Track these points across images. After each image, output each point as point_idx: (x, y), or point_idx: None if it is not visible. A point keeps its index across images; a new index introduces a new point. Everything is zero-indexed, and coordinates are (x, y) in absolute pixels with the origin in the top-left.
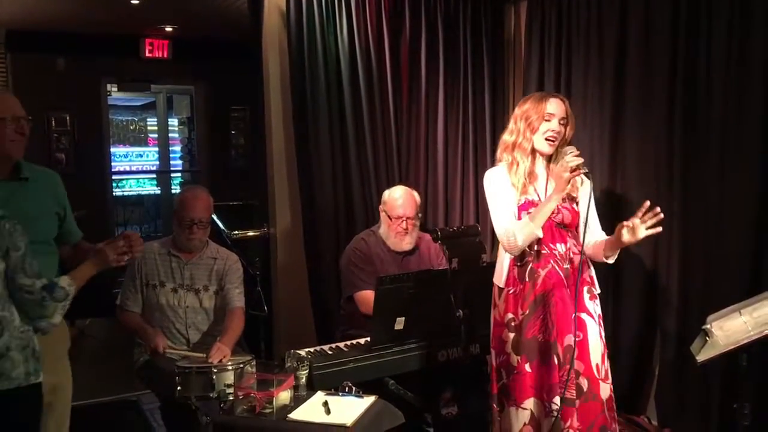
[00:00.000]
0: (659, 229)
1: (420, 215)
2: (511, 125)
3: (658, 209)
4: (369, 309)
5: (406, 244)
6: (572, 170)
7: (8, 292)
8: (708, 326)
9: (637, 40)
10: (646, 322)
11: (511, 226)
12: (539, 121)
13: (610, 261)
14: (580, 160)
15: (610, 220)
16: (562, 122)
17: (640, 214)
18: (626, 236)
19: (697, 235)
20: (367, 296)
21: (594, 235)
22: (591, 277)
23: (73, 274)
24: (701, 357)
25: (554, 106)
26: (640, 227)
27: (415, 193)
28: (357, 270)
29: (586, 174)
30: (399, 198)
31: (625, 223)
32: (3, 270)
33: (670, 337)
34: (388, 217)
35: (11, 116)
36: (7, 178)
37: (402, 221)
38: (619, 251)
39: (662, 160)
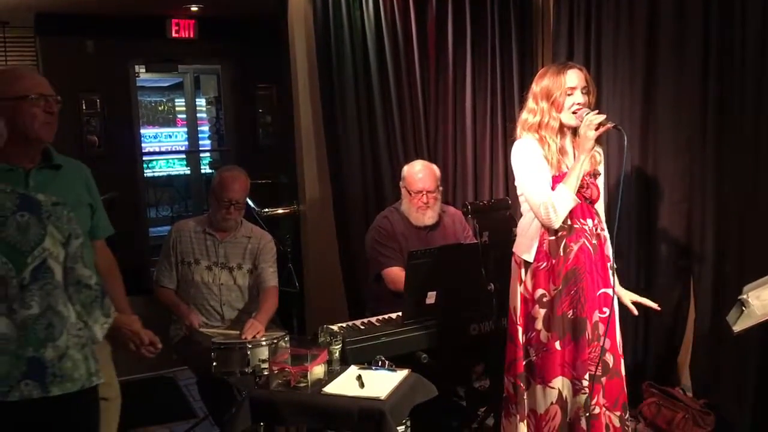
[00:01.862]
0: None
1: (440, 188)
2: (531, 104)
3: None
4: (397, 286)
5: (428, 218)
6: (597, 127)
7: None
8: (744, 296)
9: (669, 6)
10: (680, 292)
11: (549, 198)
12: (563, 97)
13: None
14: (603, 116)
15: (643, 192)
16: (584, 91)
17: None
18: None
19: (732, 204)
20: (394, 273)
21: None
22: (610, 252)
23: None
24: (738, 327)
25: (574, 78)
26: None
27: (435, 167)
28: (382, 248)
29: (615, 127)
30: (418, 172)
31: (630, 305)
32: (63, 259)
33: (705, 308)
34: (408, 192)
35: (37, 94)
36: (40, 166)
37: (422, 195)
38: None
39: (696, 131)
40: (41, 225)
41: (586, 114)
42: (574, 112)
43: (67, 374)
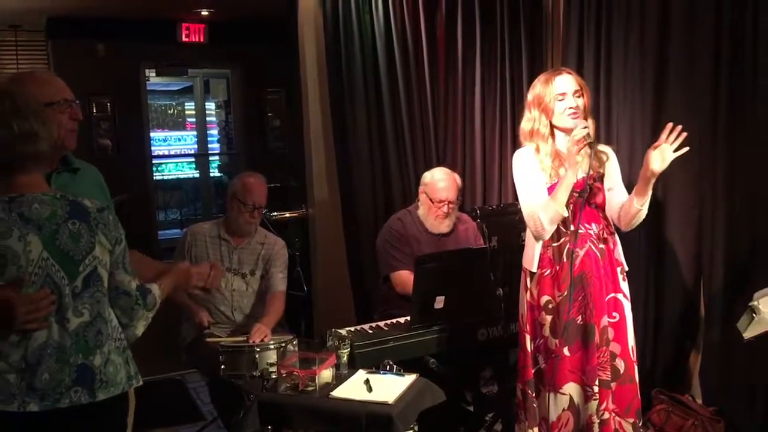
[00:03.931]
0: (686, 149)
1: (459, 198)
2: (526, 113)
3: (680, 126)
4: (405, 289)
5: (445, 226)
6: (577, 142)
7: None
8: (755, 303)
9: (680, 10)
10: (690, 298)
11: (535, 210)
12: (553, 103)
13: (643, 209)
14: (585, 131)
15: (653, 198)
16: (576, 95)
17: (664, 137)
18: (656, 162)
19: (744, 210)
20: (403, 276)
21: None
22: (620, 257)
23: (160, 285)
24: (748, 334)
25: (563, 84)
26: (667, 149)
27: (457, 176)
28: (393, 250)
29: (589, 144)
30: (441, 181)
31: (654, 145)
32: (109, 266)
33: (715, 314)
34: (429, 199)
35: (63, 99)
36: (59, 170)
37: (444, 205)
38: (649, 194)
39: (706, 136)
40: (92, 233)
41: (578, 126)
42: (569, 116)
43: (111, 379)
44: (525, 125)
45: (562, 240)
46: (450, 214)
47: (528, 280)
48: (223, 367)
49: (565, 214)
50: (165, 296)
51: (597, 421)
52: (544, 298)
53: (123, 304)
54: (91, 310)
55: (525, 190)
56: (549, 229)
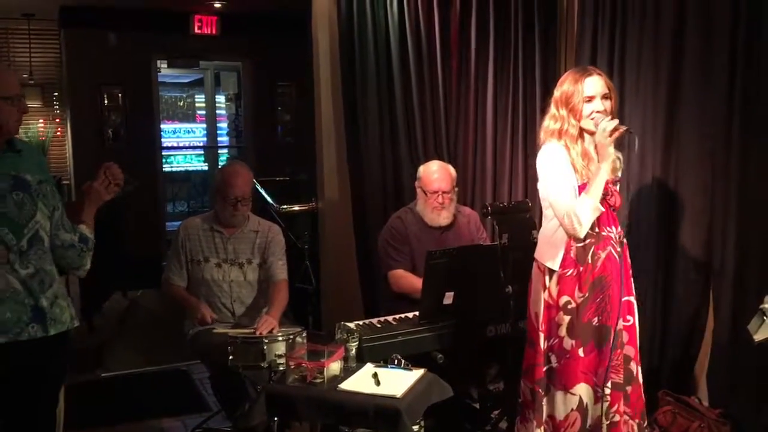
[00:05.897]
0: None
1: (456, 189)
2: (552, 111)
3: None
4: (399, 288)
5: (444, 219)
6: (610, 134)
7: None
8: (766, 306)
9: (695, 13)
10: (699, 300)
11: (572, 208)
12: (581, 105)
13: None
14: (616, 122)
15: (665, 202)
16: (604, 98)
17: None
18: None
19: (755, 213)
20: (398, 275)
21: None
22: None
23: (84, 221)
24: (759, 336)
25: (592, 86)
26: None
27: (451, 167)
28: (391, 249)
29: (627, 131)
30: (434, 173)
31: None
32: (49, 228)
33: (724, 316)
34: (424, 192)
35: (16, 95)
36: (5, 150)
37: (438, 196)
38: None
39: (720, 140)
40: (33, 202)
41: (601, 121)
42: (594, 119)
43: (58, 318)
44: (552, 125)
45: (588, 241)
46: (447, 206)
47: (547, 278)
48: (231, 357)
49: (602, 209)
50: (92, 225)
51: (606, 422)
52: (564, 299)
53: (72, 254)
54: (36, 264)
55: (558, 188)
56: (586, 227)
